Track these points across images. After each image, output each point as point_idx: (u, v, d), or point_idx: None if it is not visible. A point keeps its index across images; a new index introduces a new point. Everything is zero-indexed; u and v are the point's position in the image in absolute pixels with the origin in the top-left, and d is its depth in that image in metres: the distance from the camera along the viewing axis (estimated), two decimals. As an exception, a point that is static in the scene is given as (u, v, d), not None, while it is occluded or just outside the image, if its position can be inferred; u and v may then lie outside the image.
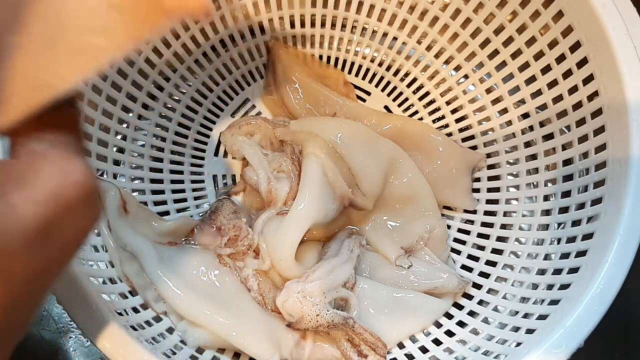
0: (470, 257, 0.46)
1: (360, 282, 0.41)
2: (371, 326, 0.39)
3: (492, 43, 0.46)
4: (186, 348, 0.37)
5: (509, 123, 0.47)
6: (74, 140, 0.21)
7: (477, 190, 0.49)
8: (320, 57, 0.54)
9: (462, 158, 0.48)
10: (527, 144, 0.46)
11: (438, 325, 0.42)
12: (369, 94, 0.54)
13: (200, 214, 0.47)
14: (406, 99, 0.53)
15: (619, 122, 0.35)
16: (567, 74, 0.40)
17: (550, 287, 0.37)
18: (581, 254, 0.36)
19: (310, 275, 0.39)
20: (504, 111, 0.47)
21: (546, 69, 0.42)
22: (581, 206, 0.39)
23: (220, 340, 0.38)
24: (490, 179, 0.49)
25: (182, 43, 0.47)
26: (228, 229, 0.41)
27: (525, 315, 0.38)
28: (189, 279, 0.39)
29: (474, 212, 0.48)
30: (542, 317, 0.35)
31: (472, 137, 0.50)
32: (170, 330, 0.38)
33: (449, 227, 0.48)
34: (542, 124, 0.44)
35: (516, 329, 0.37)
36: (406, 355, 0.40)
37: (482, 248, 0.46)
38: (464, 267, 0.46)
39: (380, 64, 0.54)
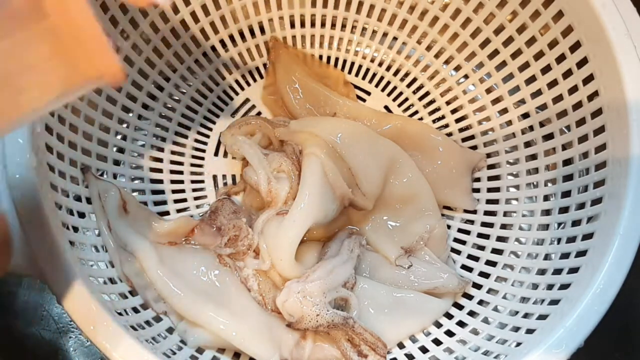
0: (470, 257, 0.46)
1: (360, 282, 0.41)
2: (371, 326, 0.39)
3: (492, 43, 0.46)
4: (186, 348, 0.37)
5: (509, 123, 0.47)
6: None
7: (477, 190, 0.49)
8: (320, 57, 0.54)
9: (462, 158, 0.48)
10: (527, 144, 0.46)
11: (438, 325, 0.42)
12: (369, 94, 0.54)
13: (200, 214, 0.47)
14: (406, 99, 0.53)
15: (619, 122, 0.35)
16: (567, 74, 0.40)
17: (550, 287, 0.38)
18: (581, 254, 0.36)
19: (310, 275, 0.39)
20: (504, 111, 0.47)
21: (546, 69, 0.42)
22: (581, 206, 0.39)
23: (220, 340, 0.38)
24: (490, 179, 0.49)
25: (182, 43, 0.47)
26: (228, 229, 0.41)
27: (525, 315, 0.38)
28: (189, 279, 0.39)
29: (474, 212, 0.48)
30: (542, 317, 0.35)
31: (472, 137, 0.50)
32: (170, 330, 0.38)
33: (449, 227, 0.48)
34: (542, 124, 0.44)
35: (516, 329, 0.37)
36: (406, 355, 0.41)
37: (482, 248, 0.46)
38: (464, 267, 0.46)
39: (380, 64, 0.54)
